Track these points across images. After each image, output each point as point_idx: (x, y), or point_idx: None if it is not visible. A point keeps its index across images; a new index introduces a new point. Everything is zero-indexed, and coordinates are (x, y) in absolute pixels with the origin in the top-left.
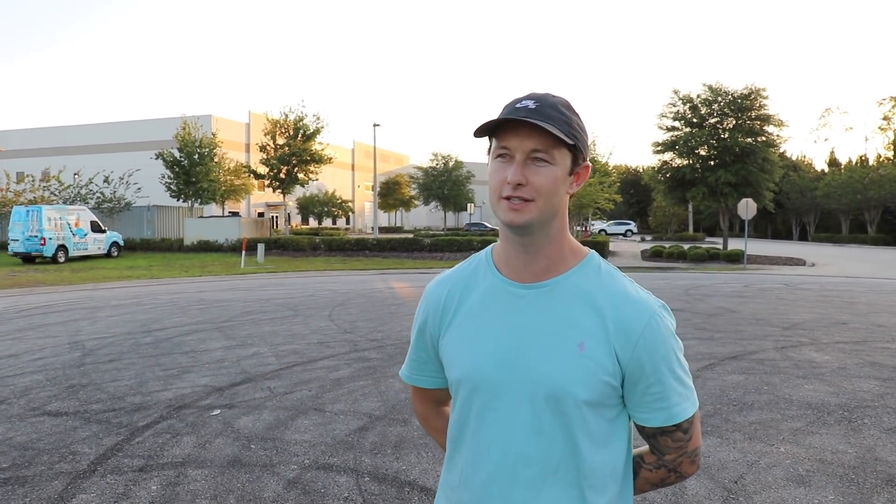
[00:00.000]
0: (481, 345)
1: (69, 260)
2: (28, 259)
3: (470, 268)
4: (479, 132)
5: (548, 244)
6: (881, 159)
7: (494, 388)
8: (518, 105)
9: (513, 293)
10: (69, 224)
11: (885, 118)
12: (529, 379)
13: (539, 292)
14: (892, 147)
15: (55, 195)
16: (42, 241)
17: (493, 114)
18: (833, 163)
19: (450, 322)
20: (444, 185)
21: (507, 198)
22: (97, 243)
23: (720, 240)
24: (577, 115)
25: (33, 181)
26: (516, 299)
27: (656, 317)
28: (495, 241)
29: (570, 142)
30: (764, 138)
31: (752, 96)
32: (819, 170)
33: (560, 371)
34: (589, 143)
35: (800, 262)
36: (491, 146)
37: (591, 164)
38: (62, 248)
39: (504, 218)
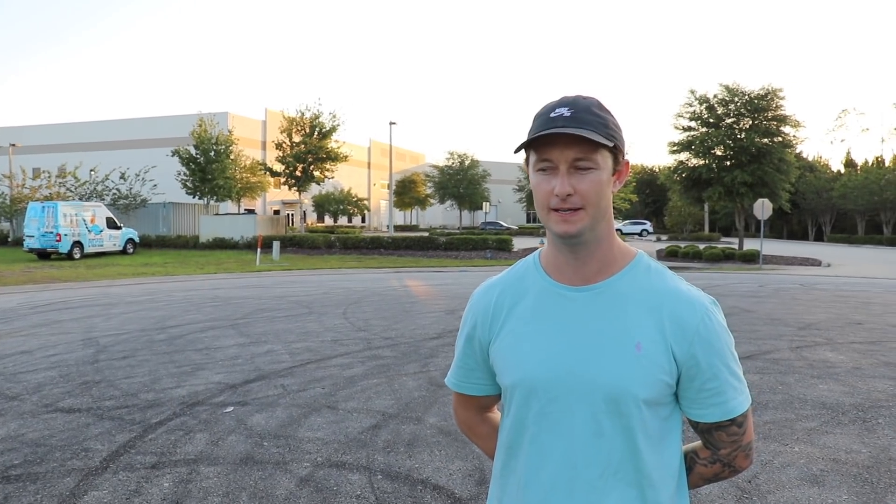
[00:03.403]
0: (536, 349)
1: (84, 256)
2: (43, 255)
3: (518, 273)
4: (521, 148)
5: (598, 248)
6: None
7: (552, 391)
8: (553, 114)
9: (565, 297)
10: (85, 220)
11: None
12: (587, 381)
13: (591, 294)
14: None
15: (71, 191)
16: (58, 238)
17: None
18: (849, 164)
19: (500, 328)
20: (460, 183)
21: (556, 209)
22: (113, 240)
23: (736, 240)
24: (610, 113)
25: (49, 177)
26: (569, 303)
27: (709, 313)
28: (509, 240)
29: (610, 143)
30: (780, 139)
31: (769, 97)
32: (835, 170)
33: (619, 372)
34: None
35: (815, 263)
36: (529, 158)
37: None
38: (78, 244)
39: (557, 230)
